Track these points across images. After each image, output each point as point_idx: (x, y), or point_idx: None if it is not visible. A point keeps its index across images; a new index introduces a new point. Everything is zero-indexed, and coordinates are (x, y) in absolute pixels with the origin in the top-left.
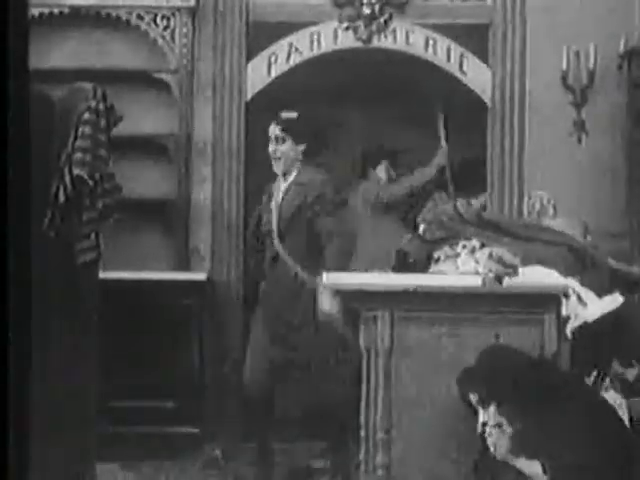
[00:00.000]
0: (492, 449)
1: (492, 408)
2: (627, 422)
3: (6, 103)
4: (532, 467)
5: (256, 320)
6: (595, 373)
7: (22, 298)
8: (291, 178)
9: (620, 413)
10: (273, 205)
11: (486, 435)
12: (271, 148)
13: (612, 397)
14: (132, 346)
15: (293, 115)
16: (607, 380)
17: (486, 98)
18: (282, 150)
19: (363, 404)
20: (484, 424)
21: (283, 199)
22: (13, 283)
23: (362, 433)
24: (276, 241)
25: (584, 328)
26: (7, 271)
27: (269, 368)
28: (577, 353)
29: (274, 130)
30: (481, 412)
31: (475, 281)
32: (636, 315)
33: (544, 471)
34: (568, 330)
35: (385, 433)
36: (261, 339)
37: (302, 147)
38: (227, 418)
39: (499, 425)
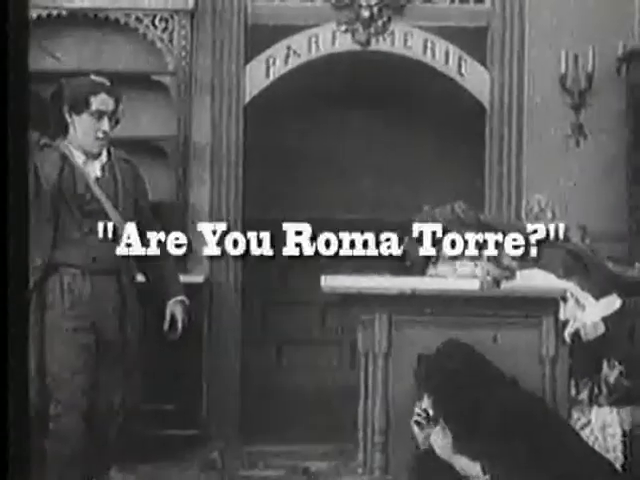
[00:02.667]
0: (419, 441)
1: (428, 399)
2: (619, 436)
3: (6, 103)
4: (472, 467)
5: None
6: (590, 385)
7: (20, 296)
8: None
9: (611, 431)
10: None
11: (416, 421)
12: (107, 126)
13: (605, 413)
14: None
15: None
16: (604, 391)
17: (484, 101)
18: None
19: (361, 406)
20: (425, 410)
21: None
22: (13, 281)
23: (360, 435)
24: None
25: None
26: (6, 270)
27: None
28: (575, 358)
29: (108, 102)
30: (424, 399)
31: (473, 284)
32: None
33: (483, 472)
34: (566, 334)
35: (383, 435)
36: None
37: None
38: (225, 420)
39: (435, 420)
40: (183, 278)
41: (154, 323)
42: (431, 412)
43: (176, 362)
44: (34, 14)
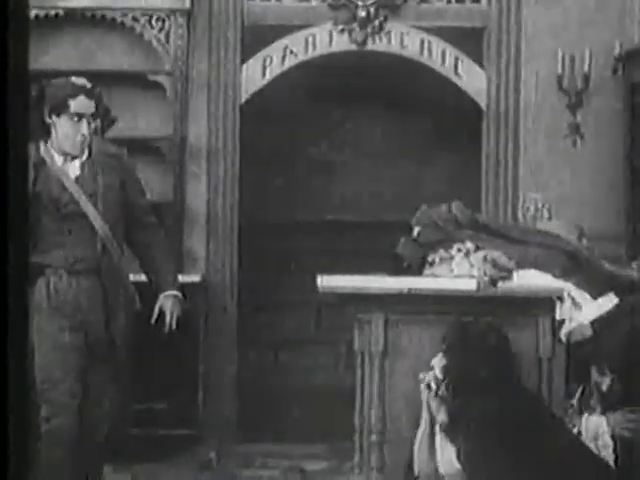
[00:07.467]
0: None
1: (442, 359)
2: (611, 448)
3: (6, 104)
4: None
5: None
6: (581, 389)
7: (20, 296)
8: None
9: (602, 442)
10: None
11: (426, 381)
12: (86, 129)
13: (595, 423)
14: None
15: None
16: (594, 396)
17: (481, 101)
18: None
19: (357, 406)
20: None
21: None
22: (12, 282)
23: (356, 435)
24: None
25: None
26: (6, 270)
27: None
28: (571, 359)
29: (88, 105)
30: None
31: (470, 284)
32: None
33: (458, 457)
34: (562, 334)
35: (379, 435)
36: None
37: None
38: (222, 420)
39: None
40: (179, 278)
41: (150, 322)
42: (438, 374)
43: (172, 362)
44: (31, 14)
